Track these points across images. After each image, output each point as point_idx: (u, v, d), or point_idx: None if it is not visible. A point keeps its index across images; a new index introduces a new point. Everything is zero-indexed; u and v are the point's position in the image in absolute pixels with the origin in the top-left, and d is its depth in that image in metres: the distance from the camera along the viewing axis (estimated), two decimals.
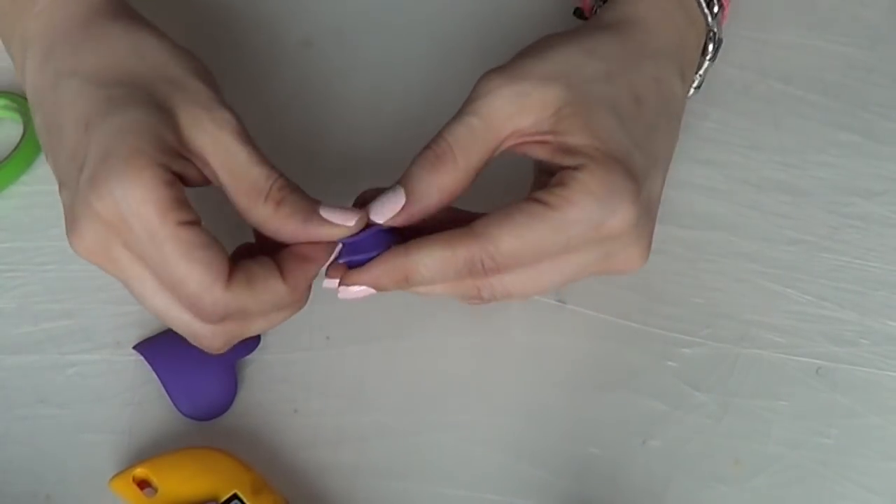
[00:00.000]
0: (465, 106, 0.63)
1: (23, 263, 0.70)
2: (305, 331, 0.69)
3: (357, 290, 0.63)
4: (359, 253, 0.62)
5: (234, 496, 0.63)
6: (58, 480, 0.65)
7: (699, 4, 0.69)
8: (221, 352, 0.63)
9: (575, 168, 0.61)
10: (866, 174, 0.75)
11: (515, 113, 0.62)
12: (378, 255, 0.62)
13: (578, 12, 0.73)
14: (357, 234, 0.62)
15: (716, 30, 0.70)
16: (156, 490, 0.63)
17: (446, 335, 0.68)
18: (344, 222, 0.62)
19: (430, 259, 0.61)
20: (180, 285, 0.59)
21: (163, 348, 0.68)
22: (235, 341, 0.63)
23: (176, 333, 0.67)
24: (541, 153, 0.63)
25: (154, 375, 0.67)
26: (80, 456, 0.65)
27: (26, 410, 0.67)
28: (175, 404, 0.66)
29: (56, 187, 0.72)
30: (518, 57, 0.64)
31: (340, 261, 0.63)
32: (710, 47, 0.70)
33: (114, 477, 0.64)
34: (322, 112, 0.75)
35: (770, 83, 0.77)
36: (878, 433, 0.67)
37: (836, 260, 0.72)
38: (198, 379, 0.66)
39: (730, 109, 0.76)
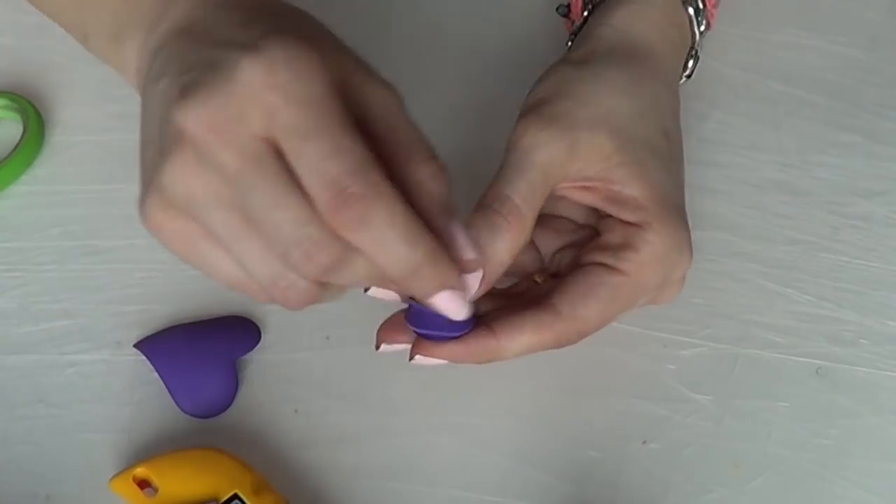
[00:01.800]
0: (515, 157, 0.62)
1: (22, 263, 0.70)
2: (306, 331, 0.69)
3: (436, 362, 0.61)
4: (426, 316, 0.60)
5: (235, 496, 0.63)
6: (58, 480, 0.65)
7: (691, 24, 0.69)
8: (301, 306, 0.55)
9: (640, 226, 0.62)
10: (866, 174, 0.75)
11: (567, 162, 0.62)
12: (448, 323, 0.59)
13: (562, 10, 0.73)
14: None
15: (698, 49, 0.70)
16: (156, 490, 0.63)
17: None
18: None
19: (518, 345, 0.61)
20: (332, 162, 0.52)
21: (163, 346, 0.68)
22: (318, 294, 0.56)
23: (176, 331, 0.68)
24: (587, 199, 0.64)
25: (154, 375, 0.67)
26: (79, 456, 0.65)
27: (26, 410, 0.67)
28: (176, 402, 0.66)
29: (54, 187, 0.72)
30: (553, 99, 0.63)
31: (412, 327, 0.61)
32: (691, 64, 0.71)
33: (114, 477, 0.64)
34: None
35: (770, 84, 0.77)
36: (878, 434, 0.67)
37: (836, 260, 0.72)
38: (198, 376, 0.67)
39: (730, 110, 0.76)
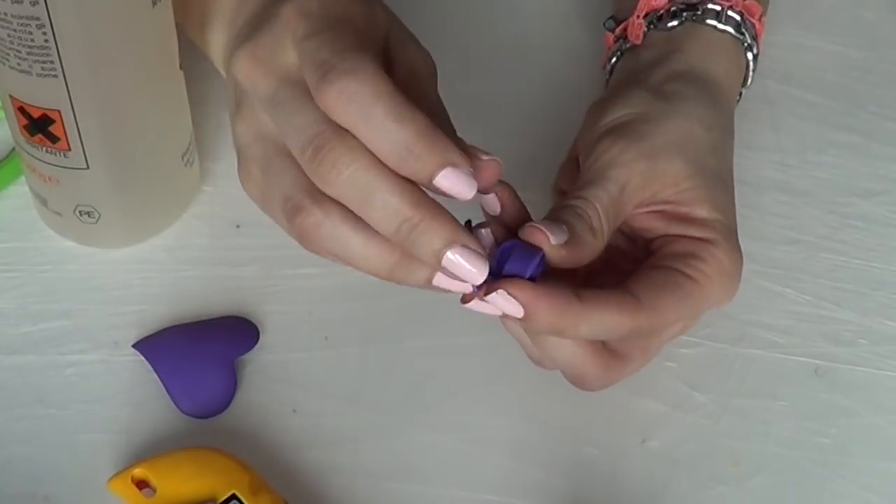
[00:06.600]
0: (595, 173, 0.62)
1: (21, 264, 0.70)
2: (304, 331, 0.69)
3: (491, 308, 0.57)
4: (507, 253, 0.57)
5: (233, 496, 0.62)
6: (56, 481, 0.65)
7: (747, 68, 0.71)
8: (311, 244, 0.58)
9: (707, 241, 0.62)
10: (865, 174, 0.75)
11: (643, 185, 0.62)
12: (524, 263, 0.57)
13: (610, 24, 0.73)
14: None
15: (749, 82, 0.71)
16: (154, 490, 0.63)
17: (445, 336, 0.68)
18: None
19: (598, 318, 0.58)
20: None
21: (162, 346, 0.68)
22: None
23: (174, 332, 0.68)
24: (654, 224, 0.64)
25: (152, 375, 0.67)
26: (78, 456, 0.65)
27: (24, 411, 0.66)
28: (174, 402, 0.66)
29: None
30: (634, 123, 0.64)
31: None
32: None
33: (112, 477, 0.64)
34: None
35: (769, 83, 0.77)
36: (877, 433, 0.67)
37: (835, 260, 0.72)
38: (197, 376, 0.67)
39: None
